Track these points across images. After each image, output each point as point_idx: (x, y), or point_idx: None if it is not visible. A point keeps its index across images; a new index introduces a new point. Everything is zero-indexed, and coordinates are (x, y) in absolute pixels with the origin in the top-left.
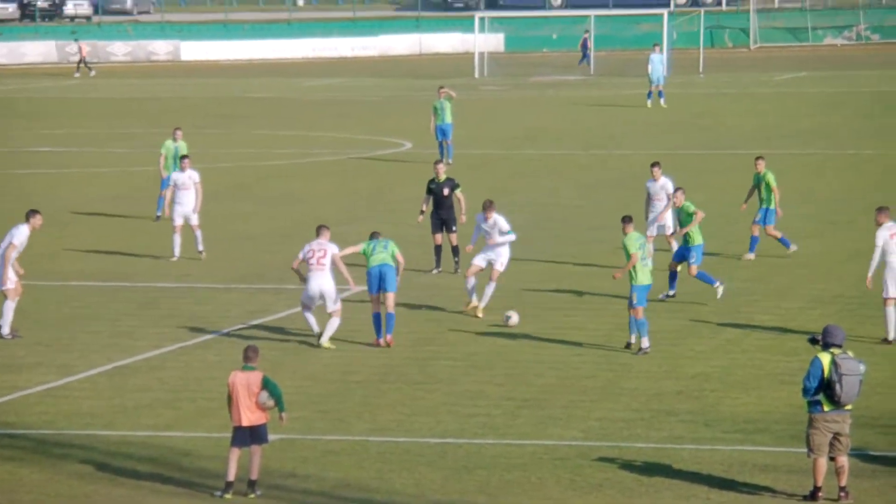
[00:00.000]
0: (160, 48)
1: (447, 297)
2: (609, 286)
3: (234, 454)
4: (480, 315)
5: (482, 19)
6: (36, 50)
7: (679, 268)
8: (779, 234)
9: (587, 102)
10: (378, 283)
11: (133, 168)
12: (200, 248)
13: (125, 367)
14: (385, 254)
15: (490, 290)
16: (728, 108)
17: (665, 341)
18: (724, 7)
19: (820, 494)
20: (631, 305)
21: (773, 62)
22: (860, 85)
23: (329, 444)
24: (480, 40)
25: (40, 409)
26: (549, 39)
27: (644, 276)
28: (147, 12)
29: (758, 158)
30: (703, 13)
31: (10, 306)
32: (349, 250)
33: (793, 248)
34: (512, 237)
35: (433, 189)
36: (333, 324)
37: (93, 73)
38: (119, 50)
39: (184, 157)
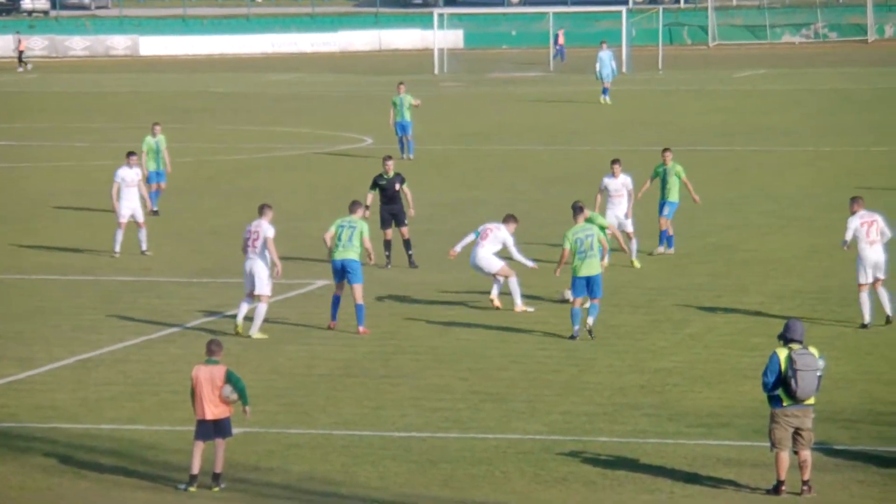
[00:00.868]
0: (119, 43)
1: (408, 291)
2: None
3: (199, 447)
4: (498, 304)
5: (441, 16)
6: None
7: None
8: (670, 231)
9: (547, 99)
10: (341, 276)
11: (93, 162)
12: (144, 247)
13: (88, 361)
14: (349, 248)
15: (501, 283)
16: (688, 105)
17: (628, 336)
18: (682, 4)
19: (783, 488)
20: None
21: (732, 60)
22: (818, 83)
23: (293, 437)
24: (440, 37)
25: (2, 402)
26: (508, 36)
27: (583, 268)
28: (105, 7)
29: (665, 150)
30: (661, 10)
31: None
32: (327, 238)
33: (662, 249)
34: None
35: (383, 185)
36: (259, 310)
37: (29, 66)
38: (77, 45)
39: (130, 153)
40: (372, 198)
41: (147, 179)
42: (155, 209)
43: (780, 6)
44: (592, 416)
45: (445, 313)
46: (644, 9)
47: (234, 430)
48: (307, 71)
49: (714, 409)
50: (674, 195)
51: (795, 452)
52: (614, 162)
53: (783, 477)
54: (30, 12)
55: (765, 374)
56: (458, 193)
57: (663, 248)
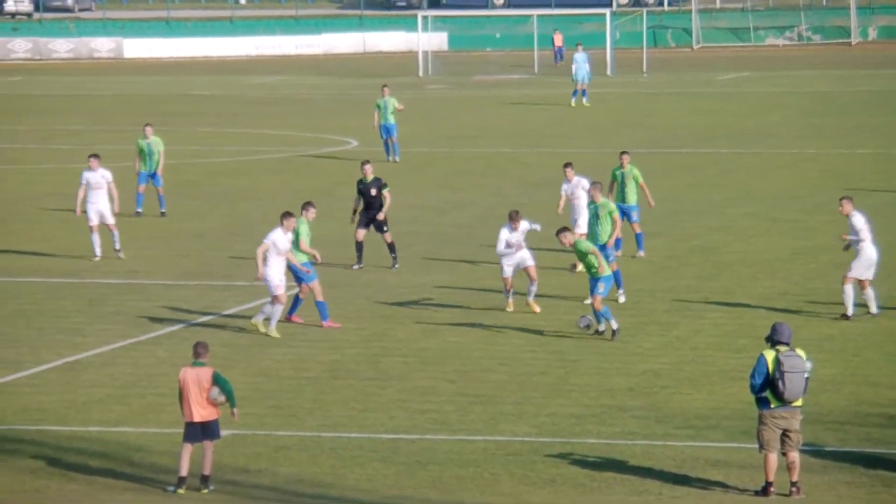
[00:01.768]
0: (102, 45)
1: (394, 293)
2: (557, 284)
3: (187, 450)
4: (537, 309)
5: (425, 18)
6: None
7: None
8: (639, 231)
9: (532, 101)
10: (297, 278)
11: (76, 165)
12: (118, 247)
13: (75, 363)
14: (297, 252)
15: (534, 287)
16: (672, 107)
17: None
18: (665, 7)
19: (771, 490)
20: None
21: (716, 62)
22: (802, 85)
23: (281, 439)
24: (424, 39)
25: None
26: (493, 38)
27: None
28: (88, 9)
29: (622, 153)
30: (645, 13)
31: None
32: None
33: (643, 253)
34: (537, 227)
35: (361, 189)
36: (274, 310)
37: None
38: (61, 47)
39: (93, 155)
40: (358, 203)
41: (138, 181)
42: (139, 210)
43: (763, 9)
44: (580, 417)
45: (432, 315)
46: (628, 11)
47: (222, 433)
48: (291, 73)
49: (702, 410)
50: (632, 199)
51: (783, 454)
52: (566, 165)
53: (771, 478)
54: (13, 14)
55: (752, 375)
56: (443, 196)
57: (644, 252)
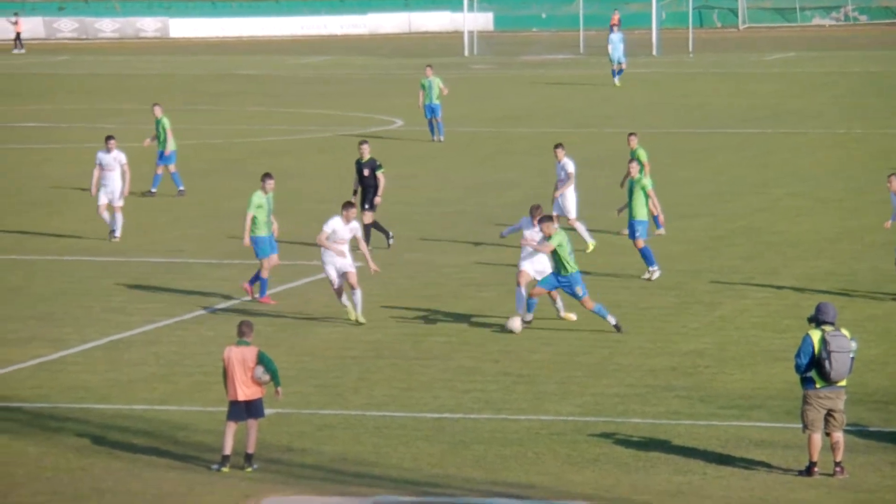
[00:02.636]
0: (148, 25)
1: (435, 275)
2: (601, 264)
3: (231, 428)
4: (573, 317)
5: None
6: (24, 26)
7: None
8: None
9: (578, 82)
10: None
11: (120, 144)
12: (116, 232)
13: (119, 342)
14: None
15: (560, 303)
16: (718, 88)
17: (657, 318)
18: None
19: (815, 470)
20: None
21: (762, 42)
22: (849, 66)
23: (326, 418)
24: (469, 19)
25: (34, 383)
26: (539, 19)
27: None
28: None
29: (630, 134)
30: None
31: None
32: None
33: (658, 231)
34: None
35: (357, 169)
36: (356, 297)
37: (22, 50)
38: (107, 27)
39: (109, 137)
40: (356, 182)
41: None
42: (153, 190)
43: None
44: (624, 397)
45: (475, 295)
46: None
47: (266, 411)
48: (337, 53)
49: (746, 390)
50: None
51: (827, 434)
52: (557, 146)
53: (815, 458)
54: None
55: (798, 355)
56: (487, 175)
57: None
